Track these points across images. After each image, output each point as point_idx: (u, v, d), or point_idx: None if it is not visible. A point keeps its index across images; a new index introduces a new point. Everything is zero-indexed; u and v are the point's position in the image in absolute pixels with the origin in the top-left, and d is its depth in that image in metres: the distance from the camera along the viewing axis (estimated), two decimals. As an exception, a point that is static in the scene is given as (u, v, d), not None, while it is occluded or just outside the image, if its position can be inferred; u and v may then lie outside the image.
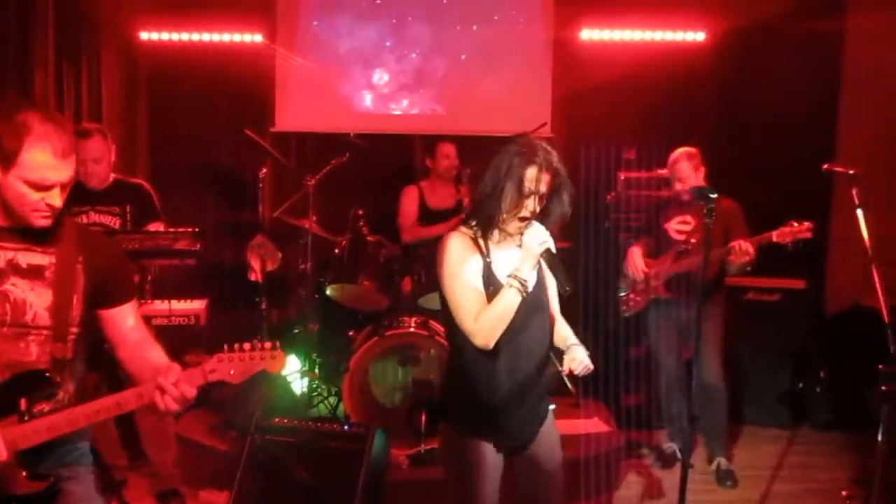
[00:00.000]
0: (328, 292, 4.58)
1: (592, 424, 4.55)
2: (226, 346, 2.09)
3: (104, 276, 2.19)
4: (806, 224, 3.77)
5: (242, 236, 4.98)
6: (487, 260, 2.43)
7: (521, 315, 2.37)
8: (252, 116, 5.61)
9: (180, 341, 4.12)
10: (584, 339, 2.57)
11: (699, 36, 5.86)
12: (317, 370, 4.70)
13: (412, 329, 4.18)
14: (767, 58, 5.70)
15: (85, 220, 3.85)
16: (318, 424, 3.58)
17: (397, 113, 5.99)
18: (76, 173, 2.11)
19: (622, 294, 4.52)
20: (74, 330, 2.15)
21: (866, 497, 3.61)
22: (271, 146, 4.97)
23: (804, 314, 5.23)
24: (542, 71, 5.93)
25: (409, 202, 5.16)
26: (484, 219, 2.43)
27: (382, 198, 5.43)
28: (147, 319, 2.37)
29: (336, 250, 4.54)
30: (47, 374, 2.09)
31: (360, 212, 4.58)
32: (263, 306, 4.57)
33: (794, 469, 4.57)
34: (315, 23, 5.87)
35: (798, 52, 5.59)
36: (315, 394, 4.64)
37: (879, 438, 3.06)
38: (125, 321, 2.23)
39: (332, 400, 4.59)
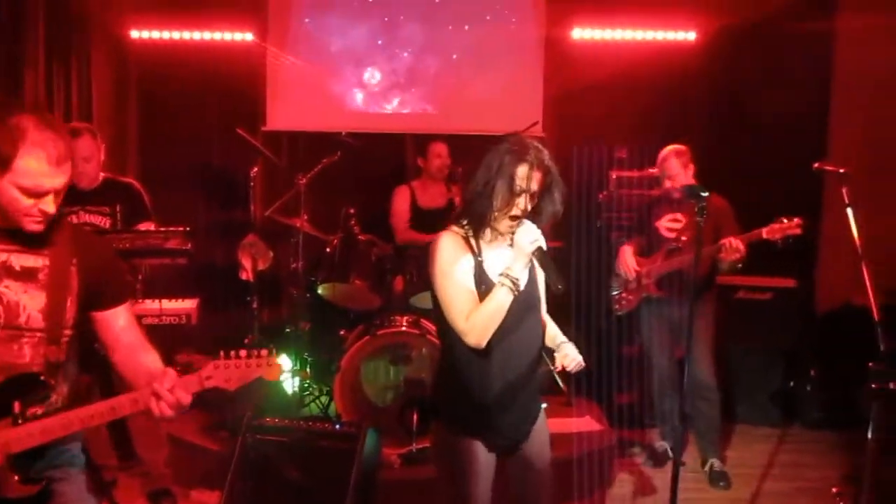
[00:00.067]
0: (320, 291, 4.57)
1: (585, 423, 4.56)
2: (222, 353, 2.07)
3: (98, 277, 2.18)
4: (795, 220, 3.77)
5: (234, 235, 4.96)
6: (479, 259, 2.43)
7: (513, 314, 2.37)
8: (243, 115, 5.59)
9: (171, 340, 4.11)
10: (576, 339, 2.57)
11: (690, 35, 5.89)
12: (308, 369, 4.69)
13: (404, 328, 4.18)
14: (758, 57, 5.73)
15: (75, 220, 3.83)
16: (310, 424, 3.57)
17: (389, 112, 5.98)
18: (71, 178, 2.08)
19: (614, 293, 4.53)
20: (68, 332, 2.14)
21: (856, 495, 3.62)
22: (263, 145, 4.96)
23: (795, 313, 5.25)
24: (534, 70, 5.93)
25: (400, 202, 5.16)
26: (475, 217, 2.42)
27: (374, 197, 5.43)
28: (138, 319, 2.34)
29: (328, 249, 4.53)
30: (41, 377, 2.08)
31: (352, 211, 4.57)
32: (255, 305, 4.56)
33: (785, 467, 4.58)
34: (307, 20, 5.86)
35: (789, 52, 5.62)
36: (306, 393, 4.64)
37: (870, 436, 3.08)
38: (119, 323, 2.22)
39: (324, 399, 4.59)
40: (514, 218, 2.38)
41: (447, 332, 2.43)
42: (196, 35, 5.73)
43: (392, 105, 5.99)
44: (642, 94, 5.76)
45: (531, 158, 2.34)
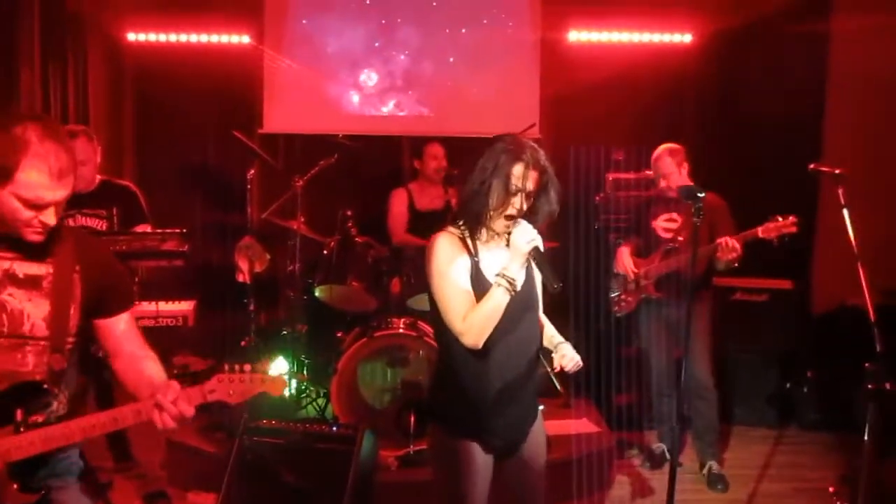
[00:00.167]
0: (316, 293, 4.56)
1: (582, 425, 4.56)
2: (226, 366, 2.08)
3: (101, 285, 2.17)
4: (790, 218, 3.78)
5: (230, 238, 4.97)
6: (476, 259, 2.42)
7: (510, 314, 2.36)
8: (240, 118, 5.60)
9: (168, 342, 4.11)
10: (574, 340, 2.56)
11: (686, 38, 5.90)
12: (305, 371, 4.68)
13: (401, 330, 4.18)
14: (754, 59, 5.75)
15: (71, 224, 3.82)
16: (307, 426, 3.56)
17: (385, 114, 5.98)
18: (73, 190, 2.07)
19: (614, 295, 4.52)
20: (71, 340, 2.13)
21: (853, 495, 3.62)
22: (259, 147, 4.96)
23: (791, 314, 5.26)
24: (531, 73, 5.94)
25: (397, 204, 5.16)
26: (471, 217, 2.42)
27: (371, 199, 5.43)
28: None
29: (324, 251, 4.53)
30: (44, 385, 2.08)
31: (349, 213, 4.56)
32: (252, 307, 4.56)
33: (782, 468, 4.59)
34: (304, 21, 5.86)
35: (784, 54, 5.64)
36: (303, 395, 4.63)
37: (866, 437, 3.08)
38: (122, 330, 2.22)
39: (321, 401, 4.58)
40: (509, 217, 2.37)
41: (444, 332, 2.42)
42: (193, 37, 5.73)
43: (388, 107, 5.99)
44: (639, 96, 5.77)
45: (527, 158, 2.34)
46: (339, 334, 4.67)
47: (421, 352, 4.29)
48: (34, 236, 2.03)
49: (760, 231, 3.82)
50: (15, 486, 2.02)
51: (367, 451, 3.42)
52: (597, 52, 5.86)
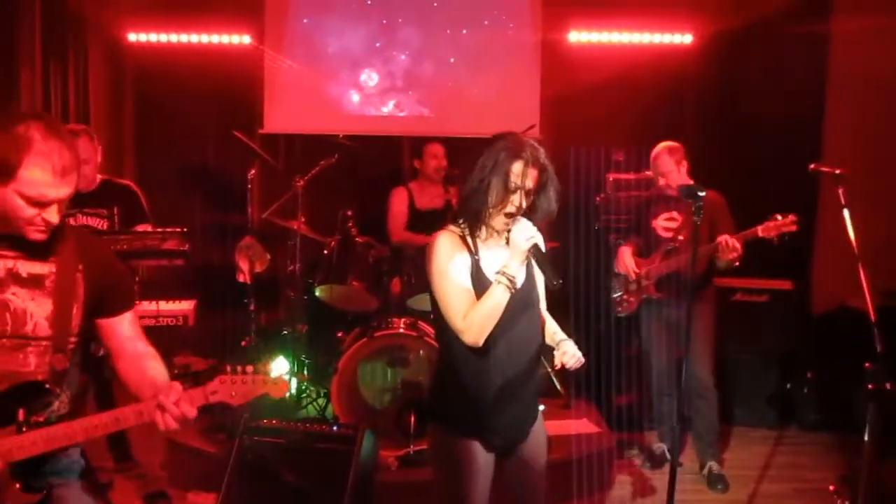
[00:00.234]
0: (317, 293, 4.57)
1: (583, 425, 4.56)
2: (228, 368, 2.08)
3: (104, 284, 2.17)
4: (790, 217, 3.78)
5: (231, 238, 4.97)
6: (476, 257, 2.43)
7: (511, 312, 2.36)
8: (240, 118, 5.61)
9: (169, 342, 4.11)
10: (574, 340, 2.56)
11: (686, 38, 5.91)
12: (305, 371, 4.68)
13: (401, 330, 4.17)
14: (754, 60, 5.75)
15: (72, 223, 3.82)
16: (307, 426, 3.56)
17: (386, 114, 5.99)
18: (76, 188, 2.06)
19: (616, 295, 4.52)
20: (74, 340, 2.13)
21: (854, 495, 3.62)
22: (260, 148, 4.96)
23: (791, 315, 5.25)
24: (531, 73, 5.95)
25: (398, 203, 5.16)
26: (471, 215, 2.42)
27: (371, 199, 5.43)
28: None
29: (325, 251, 4.53)
30: (45, 385, 2.08)
31: (349, 213, 4.57)
32: (252, 307, 4.56)
33: (782, 469, 4.58)
34: (305, 20, 5.86)
35: (784, 55, 5.64)
36: (304, 395, 4.63)
37: (866, 437, 3.08)
38: (124, 330, 2.21)
39: (321, 401, 4.58)
40: (509, 215, 2.38)
41: (445, 331, 2.43)
42: (193, 38, 5.74)
43: (388, 108, 5.99)
44: (639, 96, 5.78)
45: (527, 156, 2.34)
46: (339, 334, 4.67)
47: (421, 352, 4.29)
48: (37, 235, 2.03)
49: (760, 230, 3.82)
50: (17, 485, 2.01)
51: (367, 450, 3.42)
52: (597, 53, 5.87)
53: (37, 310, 2.08)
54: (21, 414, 2.01)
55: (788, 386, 5.24)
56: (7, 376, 2.05)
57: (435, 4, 5.93)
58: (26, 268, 2.08)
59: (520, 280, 2.37)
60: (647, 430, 4.84)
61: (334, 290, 4.55)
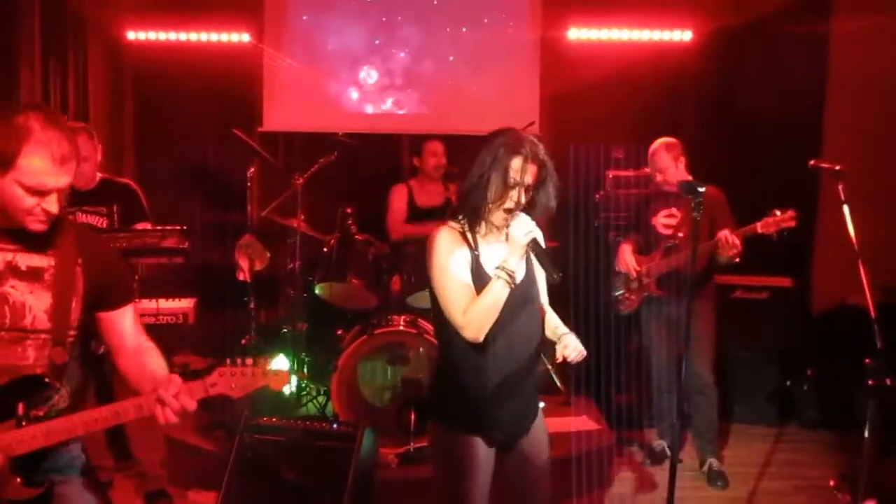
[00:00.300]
0: (317, 291, 4.57)
1: (583, 422, 4.56)
2: (228, 360, 2.08)
3: (103, 278, 2.17)
4: (789, 212, 3.78)
5: (230, 236, 4.96)
6: (476, 253, 2.43)
7: (510, 307, 2.37)
8: (240, 116, 5.60)
9: (168, 340, 4.09)
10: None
11: (686, 35, 5.90)
12: (305, 369, 4.69)
13: (401, 328, 4.18)
14: (754, 57, 5.75)
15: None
16: (307, 423, 3.56)
17: (385, 112, 5.98)
18: (74, 181, 2.07)
19: (617, 293, 4.51)
20: (73, 333, 2.13)
21: (853, 491, 3.62)
22: (259, 146, 4.95)
23: (791, 312, 5.26)
24: (530, 71, 5.94)
25: (397, 200, 5.15)
26: (470, 210, 2.42)
27: (371, 196, 5.42)
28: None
29: (325, 249, 4.53)
30: (45, 379, 2.07)
31: (349, 210, 4.57)
32: (252, 305, 4.56)
33: (782, 466, 4.59)
34: (304, 18, 5.85)
35: (784, 53, 5.64)
36: (304, 393, 4.64)
37: (866, 434, 3.08)
38: (124, 324, 2.22)
39: (321, 399, 4.59)
40: (508, 211, 2.38)
41: (444, 327, 2.43)
42: (192, 36, 5.73)
43: (388, 105, 5.99)
44: (639, 94, 5.77)
45: (526, 151, 2.35)
46: (339, 332, 4.67)
47: (421, 349, 4.29)
48: (36, 225, 2.03)
49: (760, 226, 3.82)
50: (18, 479, 2.01)
51: (367, 448, 3.42)
52: (596, 51, 5.86)
53: (36, 303, 2.08)
54: (21, 408, 2.01)
55: (788, 383, 5.25)
56: (6, 370, 2.05)
57: (434, 2, 5.93)
58: (25, 260, 2.08)
59: (519, 275, 2.37)
60: (647, 427, 4.85)
61: (334, 288, 4.55)
